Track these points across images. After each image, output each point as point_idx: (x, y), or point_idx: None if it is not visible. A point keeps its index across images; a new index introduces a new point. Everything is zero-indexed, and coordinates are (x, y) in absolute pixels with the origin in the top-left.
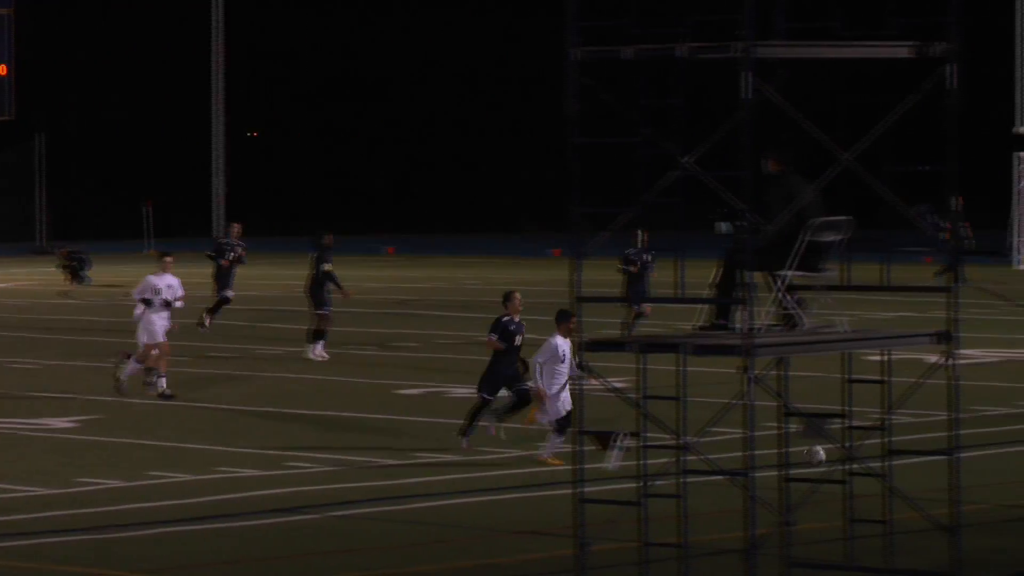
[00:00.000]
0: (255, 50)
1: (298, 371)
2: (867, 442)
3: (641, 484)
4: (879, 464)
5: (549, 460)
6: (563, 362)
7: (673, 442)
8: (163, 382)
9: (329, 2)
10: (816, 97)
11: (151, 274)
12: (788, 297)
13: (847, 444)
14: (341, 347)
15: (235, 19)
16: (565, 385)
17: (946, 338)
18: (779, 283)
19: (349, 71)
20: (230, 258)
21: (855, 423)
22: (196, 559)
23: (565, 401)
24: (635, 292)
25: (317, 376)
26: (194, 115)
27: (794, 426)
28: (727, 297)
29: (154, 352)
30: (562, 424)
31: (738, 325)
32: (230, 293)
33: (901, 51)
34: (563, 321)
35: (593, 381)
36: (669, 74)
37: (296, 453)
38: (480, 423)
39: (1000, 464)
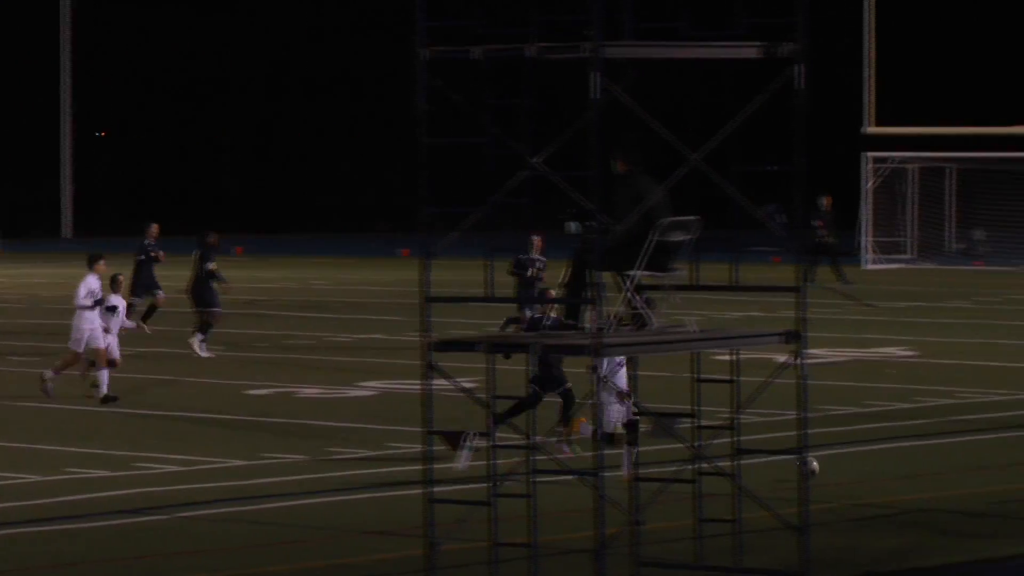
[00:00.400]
0: (103, 49)
1: (147, 371)
2: (716, 441)
3: (491, 484)
4: (728, 463)
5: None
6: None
7: (523, 442)
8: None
9: (175, 1)
10: (665, 97)
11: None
12: (637, 297)
13: (696, 443)
14: (184, 346)
15: (83, 18)
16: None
17: (794, 337)
18: (628, 283)
19: (198, 70)
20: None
21: (704, 423)
22: (42, 560)
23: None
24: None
25: (167, 376)
26: (41, 114)
27: (644, 425)
28: (576, 297)
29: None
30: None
31: (587, 325)
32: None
33: (749, 51)
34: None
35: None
36: (518, 74)
37: (145, 454)
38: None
39: (848, 463)
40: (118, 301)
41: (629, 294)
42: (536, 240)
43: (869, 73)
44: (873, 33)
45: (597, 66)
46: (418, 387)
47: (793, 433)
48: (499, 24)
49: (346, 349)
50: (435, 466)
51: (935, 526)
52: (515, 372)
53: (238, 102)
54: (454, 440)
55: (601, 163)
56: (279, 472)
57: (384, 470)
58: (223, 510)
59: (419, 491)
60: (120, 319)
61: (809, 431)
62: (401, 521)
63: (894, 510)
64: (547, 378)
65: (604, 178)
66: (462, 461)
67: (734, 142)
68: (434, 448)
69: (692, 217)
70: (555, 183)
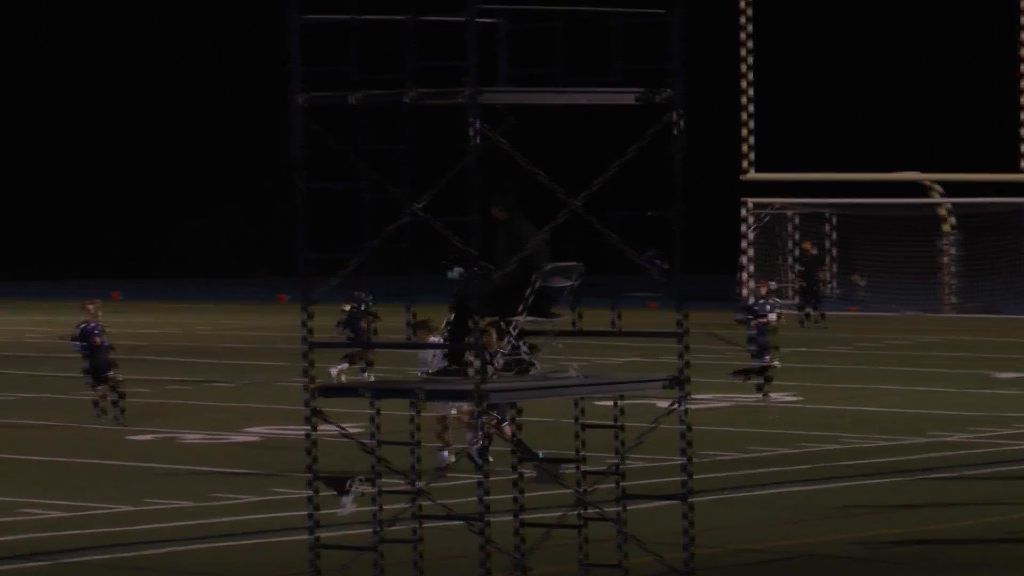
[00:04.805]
0: None
1: (29, 416)
2: (601, 487)
3: (376, 529)
4: (613, 509)
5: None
6: None
7: (408, 487)
8: None
9: (49, 47)
10: (543, 143)
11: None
12: (520, 342)
13: (581, 489)
14: (71, 392)
15: None
16: None
17: (677, 383)
18: (510, 328)
19: (73, 113)
20: None
21: (589, 468)
22: None
23: None
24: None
25: (48, 422)
26: None
27: (527, 471)
28: (458, 342)
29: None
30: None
31: (470, 371)
32: None
33: (627, 97)
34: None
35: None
36: (395, 119)
37: (28, 499)
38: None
39: (732, 508)
40: None
41: (512, 340)
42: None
43: (748, 116)
44: (749, 79)
45: (475, 112)
46: (302, 432)
47: (677, 478)
48: (375, 70)
49: (229, 394)
50: (320, 512)
51: (820, 571)
52: (399, 417)
53: (114, 146)
54: (339, 485)
55: (480, 209)
56: (163, 518)
57: (269, 515)
58: (107, 556)
59: (304, 536)
60: None
61: (693, 476)
62: (286, 567)
63: (779, 555)
64: None
65: (483, 223)
66: (347, 507)
67: (612, 188)
68: (319, 493)
69: (573, 263)
70: (435, 229)
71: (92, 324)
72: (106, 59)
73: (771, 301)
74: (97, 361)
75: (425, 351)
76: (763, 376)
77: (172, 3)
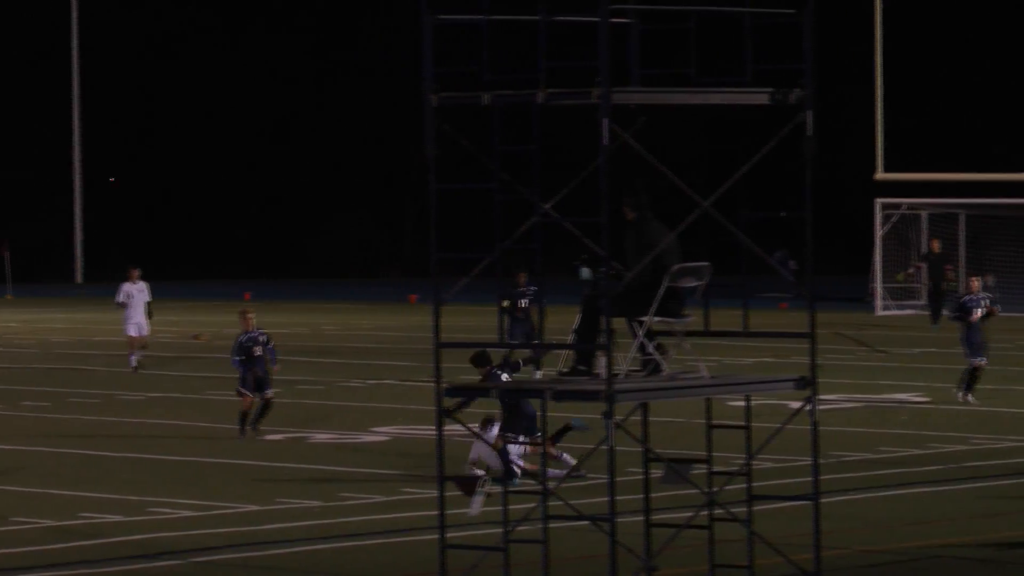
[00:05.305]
0: (111, 94)
1: (159, 416)
2: (729, 487)
3: (505, 529)
4: (742, 509)
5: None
6: None
7: (536, 487)
8: None
9: (183, 47)
10: (674, 143)
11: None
12: (649, 343)
13: (709, 489)
14: (201, 392)
15: (91, 65)
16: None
17: (807, 383)
18: (639, 329)
19: (205, 114)
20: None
21: (717, 468)
22: None
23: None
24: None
25: (179, 421)
26: (51, 159)
27: (657, 471)
28: (588, 343)
29: None
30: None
31: (599, 371)
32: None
33: (759, 98)
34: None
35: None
36: (525, 120)
37: (158, 498)
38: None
39: (860, 509)
40: None
41: (641, 340)
42: (520, 276)
43: (880, 115)
44: (881, 78)
45: (606, 112)
46: (431, 432)
47: (806, 479)
48: (506, 70)
49: (359, 394)
50: (448, 511)
51: (947, 572)
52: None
53: (246, 147)
54: (468, 486)
55: (610, 209)
56: (292, 518)
57: (397, 515)
58: (236, 555)
59: (433, 536)
60: None
61: (822, 477)
62: (414, 567)
63: (907, 556)
64: (513, 421)
65: (613, 224)
66: (476, 506)
67: (743, 188)
68: (448, 494)
69: (703, 263)
70: (565, 229)
71: (251, 334)
72: (237, 60)
73: (981, 297)
74: (254, 371)
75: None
76: (972, 376)
77: (305, 3)
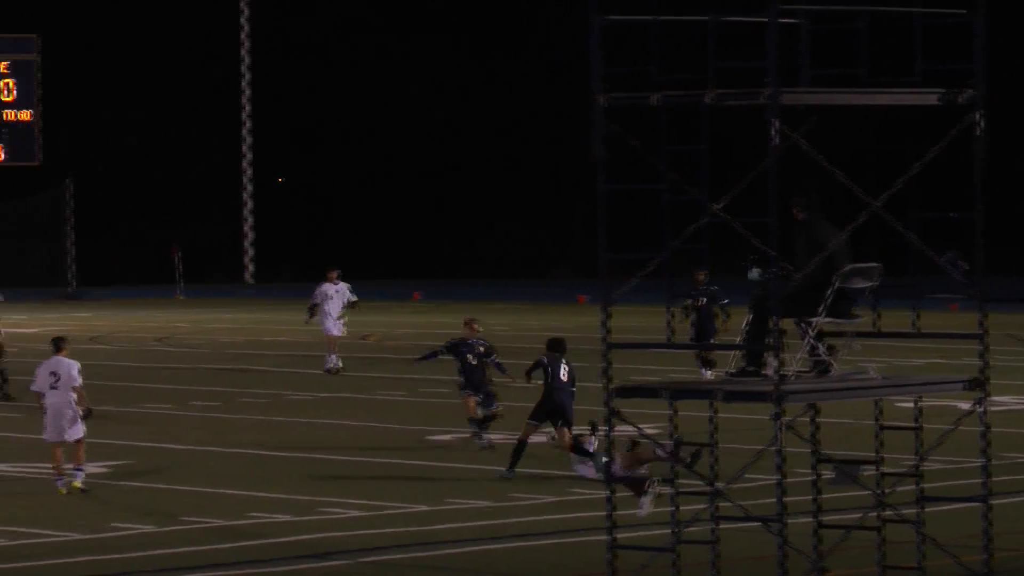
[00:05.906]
0: (280, 95)
1: (328, 416)
2: (900, 489)
3: (674, 530)
4: (912, 511)
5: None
6: None
7: (706, 488)
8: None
9: (351, 49)
10: (843, 144)
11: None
12: (818, 344)
13: (880, 490)
14: (372, 392)
15: (262, 69)
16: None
17: (978, 384)
18: (809, 330)
19: (378, 116)
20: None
21: (887, 469)
22: None
23: None
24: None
25: (348, 421)
26: (221, 160)
27: (826, 472)
28: (757, 344)
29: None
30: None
31: (769, 371)
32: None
33: (929, 98)
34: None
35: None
36: (693, 120)
37: (328, 498)
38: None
39: None
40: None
41: (811, 341)
42: (698, 275)
43: None
44: None
45: (775, 112)
46: (602, 433)
47: (977, 480)
48: (675, 70)
49: (526, 394)
50: (618, 512)
51: None
52: (697, 418)
53: (415, 148)
54: (637, 486)
55: (781, 209)
56: (461, 517)
57: (567, 516)
58: (406, 555)
59: (602, 537)
60: None
61: (992, 478)
62: (584, 567)
63: None
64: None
65: (783, 224)
66: (645, 507)
67: (913, 189)
68: (617, 494)
69: (873, 264)
70: (733, 229)
71: (467, 342)
72: (403, 62)
73: None
74: (472, 378)
75: None
76: None
77: (471, 4)
